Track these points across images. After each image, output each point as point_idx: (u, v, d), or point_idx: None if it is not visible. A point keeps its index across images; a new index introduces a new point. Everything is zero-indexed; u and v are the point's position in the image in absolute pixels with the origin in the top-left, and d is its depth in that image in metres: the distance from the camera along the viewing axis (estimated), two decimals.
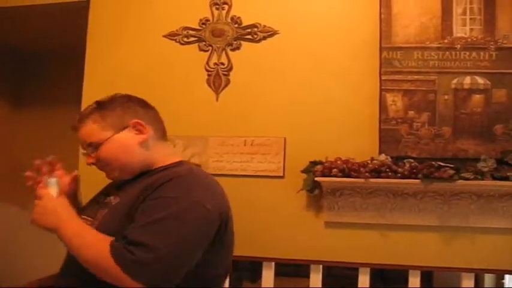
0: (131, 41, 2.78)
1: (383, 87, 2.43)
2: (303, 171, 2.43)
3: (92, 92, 2.76)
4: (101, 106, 1.73)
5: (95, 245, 1.53)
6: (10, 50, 4.34)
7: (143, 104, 1.77)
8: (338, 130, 2.50)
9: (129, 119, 1.70)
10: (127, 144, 1.70)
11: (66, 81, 4.17)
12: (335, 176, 2.34)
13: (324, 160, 2.39)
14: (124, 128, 1.69)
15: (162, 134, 1.77)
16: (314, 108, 2.52)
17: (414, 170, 2.29)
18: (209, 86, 2.63)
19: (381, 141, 2.42)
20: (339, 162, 2.36)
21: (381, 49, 2.45)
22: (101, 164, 1.73)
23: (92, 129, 1.71)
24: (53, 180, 1.72)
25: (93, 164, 1.74)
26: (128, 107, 1.72)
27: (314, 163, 2.41)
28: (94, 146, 1.71)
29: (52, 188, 1.70)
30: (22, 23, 3.48)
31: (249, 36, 2.61)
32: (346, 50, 2.53)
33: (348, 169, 2.34)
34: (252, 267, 3.47)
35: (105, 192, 1.83)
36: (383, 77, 2.44)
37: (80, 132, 1.74)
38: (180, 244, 1.49)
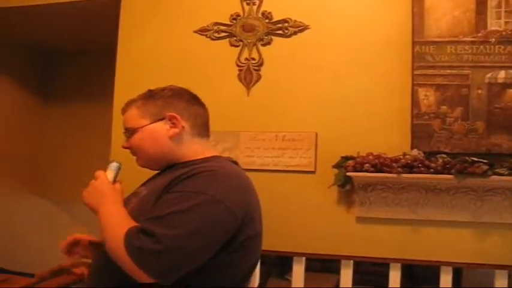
0: (162, 36, 2.80)
1: (415, 82, 2.41)
2: (334, 166, 2.43)
3: (123, 87, 2.81)
4: (149, 95, 1.77)
5: (117, 227, 1.55)
6: (39, 47, 4.41)
7: (189, 99, 1.78)
8: (369, 125, 2.48)
9: (167, 111, 1.72)
10: (157, 135, 1.73)
11: (94, 77, 4.25)
12: (367, 171, 2.32)
13: (355, 155, 2.38)
14: (160, 119, 1.72)
15: (200, 131, 1.78)
16: (345, 103, 2.51)
17: (447, 166, 2.26)
18: (240, 81, 2.63)
19: (413, 136, 2.39)
20: (370, 157, 2.34)
21: (413, 43, 2.42)
22: (133, 150, 1.77)
23: (132, 115, 1.75)
24: (114, 165, 1.76)
25: (127, 148, 1.78)
26: (170, 100, 1.74)
27: (346, 158, 2.40)
28: (130, 132, 1.75)
29: (110, 172, 1.74)
30: (51, 21, 3.53)
31: (280, 31, 2.60)
32: (377, 44, 2.51)
33: (380, 164, 2.32)
34: (279, 262, 3.46)
35: (142, 183, 1.86)
36: (415, 72, 2.41)
37: (124, 116, 1.78)
38: (190, 238, 1.48)
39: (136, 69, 2.82)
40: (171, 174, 1.66)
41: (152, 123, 1.72)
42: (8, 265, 3.67)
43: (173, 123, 1.72)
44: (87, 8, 3.18)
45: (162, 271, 1.46)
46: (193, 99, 1.80)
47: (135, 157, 1.81)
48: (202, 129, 1.79)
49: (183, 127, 1.72)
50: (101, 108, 3.69)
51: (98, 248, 1.88)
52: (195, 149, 1.76)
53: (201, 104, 1.82)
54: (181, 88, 1.81)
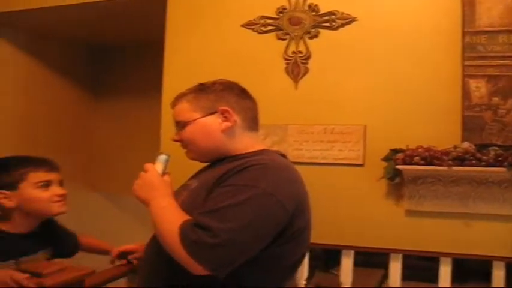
0: (209, 31, 2.81)
1: (466, 73, 2.36)
2: (383, 159, 2.41)
3: (171, 82, 2.84)
4: (200, 88, 1.79)
5: (170, 220, 1.58)
6: (89, 44, 4.49)
7: (240, 93, 1.79)
8: (418, 117, 2.45)
9: (220, 105, 1.73)
10: (210, 129, 1.74)
11: (142, 71, 4.30)
12: (417, 164, 2.29)
13: (404, 148, 2.35)
14: (212, 113, 1.73)
15: (251, 124, 1.79)
16: (394, 95, 2.48)
17: (499, 158, 2.21)
18: (288, 74, 2.63)
19: (463, 128, 2.35)
20: (420, 150, 2.31)
21: (464, 33, 2.37)
22: (183, 143, 1.79)
23: (183, 108, 1.77)
24: (162, 157, 1.79)
25: (177, 141, 1.80)
26: (222, 94, 1.76)
27: (395, 151, 2.37)
28: (181, 125, 1.77)
29: (159, 164, 1.77)
30: (100, 18, 3.58)
31: (327, 24, 2.58)
32: (426, 35, 2.47)
33: (430, 157, 2.29)
34: (325, 256, 3.45)
35: (192, 176, 1.88)
36: (466, 63, 2.36)
37: (174, 109, 1.80)
38: (244, 232, 1.50)
39: (184, 63, 2.85)
40: (222, 167, 1.68)
41: (204, 116, 1.74)
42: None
43: (225, 117, 1.73)
44: (136, 5, 3.22)
45: (217, 264, 1.48)
46: (243, 93, 1.81)
47: (185, 150, 1.83)
48: (253, 122, 1.80)
49: (235, 121, 1.73)
50: (149, 103, 3.74)
51: None
52: (245, 142, 1.77)
53: (250, 98, 1.83)
54: (231, 82, 1.83)
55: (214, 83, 1.81)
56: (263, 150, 1.78)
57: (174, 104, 1.83)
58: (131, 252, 2.21)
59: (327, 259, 3.79)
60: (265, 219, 1.54)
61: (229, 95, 1.76)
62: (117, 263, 2.26)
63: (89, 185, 4.64)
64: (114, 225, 4.27)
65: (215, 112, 1.74)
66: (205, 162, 1.83)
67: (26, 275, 1.69)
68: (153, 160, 1.81)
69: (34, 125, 4.07)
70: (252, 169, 1.59)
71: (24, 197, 1.98)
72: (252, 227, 1.51)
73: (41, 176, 2.01)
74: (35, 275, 1.71)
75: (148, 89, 3.74)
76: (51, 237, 2.18)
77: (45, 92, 4.18)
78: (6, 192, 1.98)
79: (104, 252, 2.29)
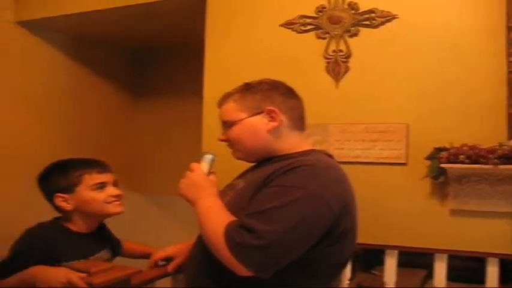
0: (248, 31, 2.82)
1: (511, 69, 2.31)
2: (427, 158, 2.37)
3: (212, 83, 2.86)
4: (246, 88, 1.80)
5: (215, 221, 1.60)
6: (130, 46, 4.55)
7: (286, 92, 1.80)
8: (462, 115, 2.40)
9: (266, 105, 1.74)
10: (256, 129, 1.75)
11: (182, 72, 4.34)
12: (462, 162, 2.25)
13: (448, 146, 2.32)
14: (258, 113, 1.74)
15: (297, 124, 1.79)
16: (437, 93, 2.44)
17: None
18: (328, 73, 2.61)
19: (509, 126, 2.30)
20: (465, 148, 2.27)
21: (508, 28, 2.32)
22: (230, 143, 1.80)
23: (230, 108, 1.79)
24: (208, 157, 1.82)
25: (223, 141, 1.81)
26: (269, 94, 1.76)
27: (439, 149, 2.33)
28: (228, 125, 1.78)
29: (205, 164, 1.80)
30: (139, 20, 3.62)
31: (367, 22, 2.55)
32: (469, 31, 2.42)
33: (475, 155, 2.24)
34: (365, 256, 3.42)
35: (239, 176, 1.89)
36: (511, 58, 2.31)
37: (220, 109, 1.82)
38: (290, 233, 1.49)
39: (224, 64, 2.86)
40: (269, 167, 1.68)
41: (251, 116, 1.75)
42: None
43: (272, 117, 1.73)
44: (176, 7, 3.25)
45: (262, 266, 1.49)
46: (290, 92, 1.82)
47: (231, 150, 1.84)
48: (299, 122, 1.80)
49: (281, 121, 1.74)
50: (189, 103, 3.77)
51: None
52: (292, 142, 1.77)
53: (297, 97, 1.83)
54: (277, 81, 1.83)
55: (260, 83, 1.81)
56: (310, 150, 1.78)
57: (220, 104, 1.84)
58: (169, 258, 2.22)
59: (367, 259, 3.76)
60: (312, 221, 1.53)
61: (275, 94, 1.77)
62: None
63: (131, 186, 4.69)
64: (156, 226, 4.32)
65: (261, 112, 1.74)
66: (252, 162, 1.84)
67: (81, 275, 1.73)
68: (196, 160, 1.82)
69: (78, 128, 4.14)
70: (300, 170, 1.59)
71: (81, 199, 2.04)
72: (298, 229, 1.50)
73: (95, 178, 2.07)
74: (84, 273, 1.74)
75: (189, 90, 3.77)
76: (107, 238, 2.25)
77: (89, 95, 4.25)
78: (64, 195, 2.04)
79: (147, 255, 2.32)
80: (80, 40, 4.14)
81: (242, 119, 1.76)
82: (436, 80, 2.45)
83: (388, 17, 2.52)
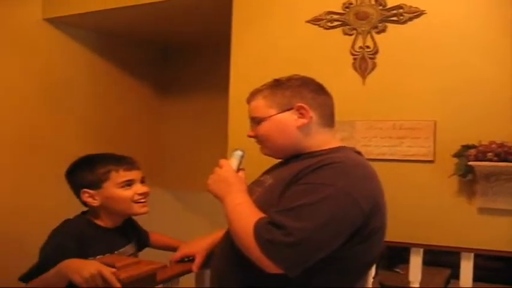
0: (275, 28, 2.81)
1: None
2: (454, 156, 2.34)
3: (238, 79, 2.87)
4: (275, 84, 1.80)
5: (244, 218, 1.60)
6: (157, 43, 4.57)
7: (316, 89, 1.80)
8: (490, 112, 2.37)
9: (296, 101, 1.73)
10: (285, 125, 1.75)
11: (209, 69, 4.35)
12: (490, 160, 2.22)
13: (476, 144, 2.29)
14: (288, 109, 1.74)
15: (327, 121, 1.79)
16: (465, 90, 2.41)
17: None
18: (355, 70, 2.59)
19: None
20: (493, 145, 2.24)
21: None
22: (259, 139, 1.80)
23: (259, 104, 1.79)
24: (237, 153, 1.83)
25: (252, 137, 1.81)
26: (299, 90, 1.76)
27: (467, 147, 2.31)
28: (257, 121, 1.78)
29: (234, 160, 1.81)
30: (167, 17, 3.64)
31: (395, 18, 2.53)
32: (497, 27, 2.38)
33: (504, 153, 2.21)
34: (388, 254, 3.40)
35: (265, 172, 1.89)
36: None
37: (249, 105, 1.82)
38: (319, 231, 1.49)
39: (250, 61, 2.86)
40: (298, 164, 1.68)
41: (280, 113, 1.75)
42: None
43: (301, 114, 1.73)
44: (202, 3, 3.26)
45: (291, 263, 1.48)
46: (320, 89, 1.81)
47: (259, 146, 1.84)
48: (329, 119, 1.80)
49: (311, 117, 1.73)
50: (216, 99, 3.78)
51: None
52: (321, 139, 1.76)
53: (327, 93, 1.82)
54: (307, 77, 1.82)
55: (290, 79, 1.81)
56: (339, 147, 1.77)
57: (249, 100, 1.84)
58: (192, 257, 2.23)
59: (390, 257, 3.74)
60: (341, 218, 1.53)
61: (305, 91, 1.76)
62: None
63: (158, 182, 4.72)
64: (182, 223, 4.34)
65: (291, 108, 1.74)
66: (280, 158, 1.84)
67: (113, 270, 1.75)
68: (223, 156, 1.83)
69: (105, 125, 4.18)
70: (329, 167, 1.59)
71: (108, 196, 2.06)
72: (328, 227, 1.50)
73: (122, 175, 2.08)
74: (110, 267, 1.76)
75: (216, 86, 3.78)
76: (133, 232, 2.27)
77: (115, 91, 4.29)
78: (91, 191, 2.06)
79: (174, 249, 2.34)
80: (106, 37, 4.17)
81: (271, 116, 1.76)
82: (464, 76, 2.41)
83: (416, 13, 2.49)
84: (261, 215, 1.57)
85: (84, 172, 2.08)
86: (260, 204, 1.65)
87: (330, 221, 1.50)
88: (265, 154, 1.85)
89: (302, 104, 1.73)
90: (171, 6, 3.32)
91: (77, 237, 1.98)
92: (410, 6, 2.51)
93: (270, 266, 1.50)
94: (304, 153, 1.76)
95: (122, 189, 2.07)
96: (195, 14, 3.53)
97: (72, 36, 3.88)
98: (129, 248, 2.19)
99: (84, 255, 1.94)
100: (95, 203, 2.06)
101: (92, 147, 3.93)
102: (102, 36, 4.14)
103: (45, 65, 3.68)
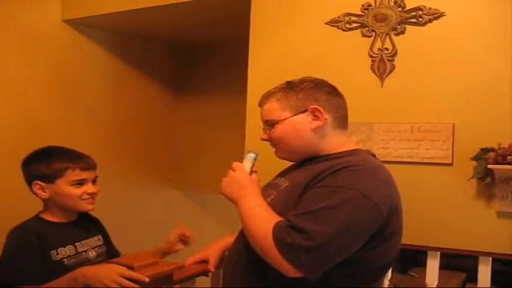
0: (293, 29, 2.81)
1: None
2: (473, 159, 2.32)
3: (256, 81, 2.87)
4: (288, 87, 1.78)
5: (262, 221, 1.58)
6: (173, 44, 4.59)
7: (330, 91, 1.78)
8: (509, 115, 2.34)
9: (310, 104, 1.72)
10: (300, 128, 1.73)
11: (226, 70, 4.36)
12: (510, 163, 2.20)
13: (496, 147, 2.27)
14: (302, 111, 1.72)
15: (341, 123, 1.77)
16: (484, 92, 2.39)
17: None
18: (373, 72, 2.58)
19: None
20: None
21: None
22: (273, 142, 1.79)
23: (272, 107, 1.77)
24: (251, 155, 1.81)
25: (266, 140, 1.80)
26: (312, 92, 1.74)
27: (486, 150, 2.29)
28: (270, 124, 1.77)
29: (247, 162, 1.79)
30: (185, 18, 3.66)
31: (414, 20, 2.51)
32: None
33: None
34: (401, 258, 3.37)
35: (279, 174, 1.88)
36: None
37: (262, 108, 1.80)
38: (339, 235, 1.48)
39: (269, 62, 2.86)
40: (314, 167, 1.66)
41: (294, 115, 1.73)
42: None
43: (316, 116, 1.71)
44: (220, 4, 3.27)
45: (311, 267, 1.47)
46: (333, 91, 1.79)
47: (274, 149, 1.83)
48: (343, 120, 1.78)
49: (325, 119, 1.72)
50: (233, 102, 3.78)
51: None
52: (336, 141, 1.75)
53: (340, 95, 1.81)
54: (320, 79, 1.81)
55: (302, 81, 1.79)
56: (355, 150, 1.76)
57: (262, 103, 1.82)
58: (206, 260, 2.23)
59: (404, 260, 3.71)
60: (361, 222, 1.52)
61: (319, 93, 1.75)
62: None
63: (172, 183, 4.74)
64: (198, 225, 4.34)
65: (305, 111, 1.72)
66: (295, 161, 1.82)
67: (132, 273, 1.77)
68: (239, 159, 1.82)
69: (122, 125, 4.21)
70: (348, 170, 1.57)
71: (58, 191, 2.05)
72: (348, 230, 1.49)
73: (77, 174, 2.07)
74: (127, 267, 1.77)
75: (232, 87, 3.79)
76: (95, 227, 2.26)
77: (131, 92, 4.32)
78: (42, 183, 2.05)
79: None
80: (123, 38, 4.20)
81: (286, 118, 1.74)
82: (483, 79, 2.39)
83: (436, 15, 2.47)
84: (278, 218, 1.56)
85: (40, 165, 2.07)
86: (276, 207, 1.64)
87: (350, 224, 1.49)
88: (280, 157, 1.84)
89: (316, 106, 1.72)
90: (189, 8, 3.33)
91: (35, 234, 1.98)
92: (430, 8, 2.49)
93: (290, 270, 1.49)
94: (320, 156, 1.74)
95: (73, 187, 2.06)
96: (212, 16, 3.54)
97: (89, 37, 3.92)
98: (93, 241, 2.18)
99: (46, 249, 1.96)
100: (44, 195, 2.06)
101: (106, 148, 4.00)
102: (119, 37, 4.17)
103: (62, 65, 3.72)
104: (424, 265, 2.57)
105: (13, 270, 1.92)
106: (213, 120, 4.56)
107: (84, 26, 3.83)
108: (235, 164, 1.79)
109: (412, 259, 3.93)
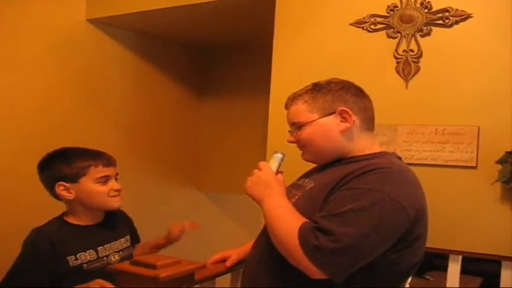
0: (318, 30, 2.80)
1: None
2: (498, 162, 2.30)
3: (279, 82, 2.87)
4: (315, 88, 1.78)
5: (287, 222, 1.58)
6: (195, 44, 4.61)
7: (357, 93, 1.77)
8: None
9: (338, 105, 1.71)
10: (328, 130, 1.72)
11: (248, 71, 4.36)
12: None
13: None
14: (330, 113, 1.72)
15: (368, 125, 1.77)
16: (510, 95, 2.35)
17: None
18: (398, 73, 2.56)
19: None
20: None
21: None
22: (300, 144, 1.79)
23: (299, 109, 1.76)
24: (278, 156, 1.81)
25: (292, 142, 1.80)
26: (340, 94, 1.74)
27: (511, 153, 2.27)
28: (297, 126, 1.77)
29: (274, 162, 1.79)
30: (205, 18, 3.67)
31: (440, 21, 2.49)
32: None
33: None
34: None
35: (303, 175, 1.87)
36: None
37: (289, 110, 1.80)
38: (366, 237, 1.47)
39: (292, 63, 2.85)
40: (341, 169, 1.66)
41: (322, 117, 1.73)
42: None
43: (344, 118, 1.71)
44: (243, 5, 3.27)
45: (337, 269, 1.47)
46: (361, 92, 1.79)
47: (301, 152, 1.83)
48: (370, 122, 1.78)
49: (354, 121, 1.71)
50: (255, 102, 3.79)
51: None
52: (363, 143, 1.74)
53: (367, 97, 1.80)
54: (347, 81, 1.80)
55: (329, 83, 1.79)
56: (382, 152, 1.75)
57: (289, 105, 1.82)
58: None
59: (420, 264, 3.69)
60: (388, 225, 1.51)
61: (347, 94, 1.74)
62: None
63: (194, 184, 4.75)
64: (218, 225, 4.35)
65: (333, 112, 1.72)
66: (322, 163, 1.81)
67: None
68: (260, 160, 1.82)
69: (143, 125, 4.23)
70: (376, 173, 1.57)
71: (84, 190, 2.05)
72: (374, 233, 1.48)
73: (100, 171, 2.07)
74: (150, 266, 1.77)
75: (255, 88, 3.79)
76: (124, 227, 2.29)
77: (154, 92, 4.34)
78: (66, 184, 2.05)
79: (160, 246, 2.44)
80: (147, 37, 4.22)
81: (314, 120, 1.74)
82: (509, 81, 2.37)
83: (463, 16, 2.45)
84: (304, 219, 1.56)
85: (61, 165, 2.06)
86: (300, 208, 1.63)
87: (377, 227, 1.48)
88: (307, 160, 1.83)
89: (345, 108, 1.72)
90: (213, 8, 3.34)
91: (50, 240, 1.97)
92: (457, 10, 2.46)
93: (315, 272, 1.48)
94: (347, 158, 1.74)
95: (99, 185, 2.07)
96: (236, 16, 3.54)
97: (113, 37, 3.95)
98: (119, 244, 2.18)
99: (62, 255, 1.96)
100: (70, 196, 2.05)
101: (128, 147, 4.02)
102: (142, 36, 4.19)
103: (86, 65, 3.74)
104: (439, 268, 2.55)
105: (18, 278, 1.93)
106: (235, 121, 4.56)
107: (109, 25, 3.86)
108: (262, 164, 1.79)
109: (428, 262, 3.91)
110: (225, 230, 4.28)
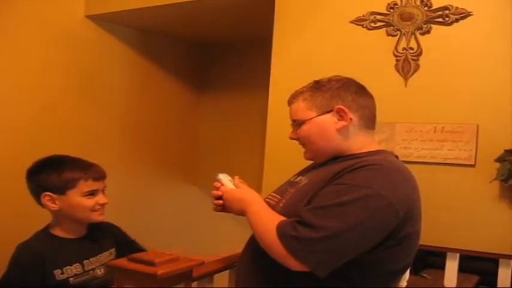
0: (318, 27, 2.79)
1: None
2: (496, 160, 2.30)
3: (279, 79, 2.86)
4: (316, 86, 1.79)
5: (265, 221, 1.61)
6: (195, 41, 4.60)
7: (357, 90, 1.77)
8: None
9: (336, 103, 1.72)
10: (325, 128, 1.73)
11: (248, 69, 4.36)
12: None
13: None
14: (328, 111, 1.72)
15: (368, 123, 1.77)
16: (509, 93, 2.35)
17: None
18: (397, 71, 2.56)
19: None
20: None
21: None
22: (300, 141, 1.80)
23: (299, 107, 1.78)
24: (222, 176, 1.89)
25: (294, 139, 1.81)
26: (338, 92, 1.74)
27: (509, 151, 2.26)
28: (297, 123, 1.78)
29: (226, 182, 1.86)
30: (206, 15, 3.67)
31: (440, 19, 2.48)
32: None
33: None
34: (414, 258, 3.35)
35: (299, 173, 1.88)
36: None
37: (290, 107, 1.81)
38: (348, 231, 1.47)
39: (291, 60, 2.85)
40: (336, 166, 1.66)
41: (320, 115, 1.73)
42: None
43: (341, 116, 1.71)
44: (241, 1, 3.27)
45: (317, 261, 1.47)
46: (361, 90, 1.79)
47: (303, 150, 1.84)
48: (369, 120, 1.77)
49: (350, 119, 1.71)
50: (254, 99, 3.79)
51: None
52: (361, 142, 1.75)
53: (368, 95, 1.80)
54: (348, 78, 1.80)
55: (330, 80, 1.79)
56: (378, 151, 1.75)
57: (290, 102, 1.83)
58: None
59: (415, 261, 3.69)
60: (373, 220, 1.51)
61: (345, 93, 1.74)
62: None
63: (193, 180, 4.75)
64: (216, 222, 4.34)
65: (331, 111, 1.72)
66: (321, 161, 1.81)
67: None
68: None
69: (143, 121, 4.22)
70: (366, 169, 1.57)
71: (69, 203, 2.01)
72: (357, 228, 1.48)
73: (90, 185, 2.04)
74: (148, 263, 1.77)
75: (255, 85, 3.79)
76: (110, 239, 2.22)
77: (153, 89, 4.34)
78: (53, 195, 2.01)
79: None
80: (146, 34, 4.22)
81: (311, 118, 1.74)
82: (509, 80, 2.36)
83: (463, 14, 2.44)
84: (282, 218, 1.59)
85: (49, 175, 2.01)
86: (291, 205, 1.65)
87: (361, 222, 1.48)
88: (308, 159, 1.84)
89: (341, 107, 1.71)
90: (212, 5, 3.34)
91: (38, 255, 1.95)
92: (457, 8, 2.45)
93: (295, 264, 1.48)
94: (344, 156, 1.74)
95: (85, 198, 2.03)
96: (236, 13, 3.54)
97: (112, 33, 3.94)
98: (104, 257, 2.13)
99: (49, 269, 1.94)
100: (54, 207, 2.01)
101: (127, 144, 4.01)
102: (142, 33, 4.19)
103: (85, 61, 3.74)
104: (435, 266, 2.56)
105: None
106: (234, 118, 4.56)
107: (107, 21, 3.85)
108: (222, 190, 1.84)
109: (422, 260, 3.91)
110: (224, 227, 4.28)
